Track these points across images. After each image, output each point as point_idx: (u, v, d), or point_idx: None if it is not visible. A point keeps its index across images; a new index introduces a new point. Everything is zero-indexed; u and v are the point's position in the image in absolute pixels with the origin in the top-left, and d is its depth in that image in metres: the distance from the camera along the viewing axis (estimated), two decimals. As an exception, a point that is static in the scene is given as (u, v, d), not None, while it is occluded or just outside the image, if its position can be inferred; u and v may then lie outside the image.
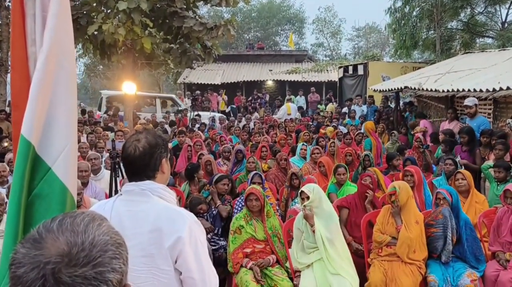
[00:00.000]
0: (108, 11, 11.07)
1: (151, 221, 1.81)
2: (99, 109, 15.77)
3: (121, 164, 1.96)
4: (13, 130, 1.78)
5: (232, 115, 17.03)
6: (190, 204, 5.21)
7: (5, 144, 8.18)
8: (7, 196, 4.84)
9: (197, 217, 1.98)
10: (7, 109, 13.21)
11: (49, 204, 1.67)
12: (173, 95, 17.67)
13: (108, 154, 7.22)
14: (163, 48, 12.79)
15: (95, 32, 10.74)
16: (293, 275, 4.21)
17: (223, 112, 18.31)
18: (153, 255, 1.80)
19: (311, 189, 4.29)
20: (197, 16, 11.85)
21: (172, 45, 12.47)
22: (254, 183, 5.17)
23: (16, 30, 1.78)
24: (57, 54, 1.70)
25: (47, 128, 1.69)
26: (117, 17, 10.38)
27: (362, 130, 8.90)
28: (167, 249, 1.78)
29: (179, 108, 16.14)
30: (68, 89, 1.76)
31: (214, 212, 5.10)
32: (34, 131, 1.64)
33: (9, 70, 12.19)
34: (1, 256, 1.64)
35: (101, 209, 1.89)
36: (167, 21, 11.74)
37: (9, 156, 7.20)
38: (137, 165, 1.87)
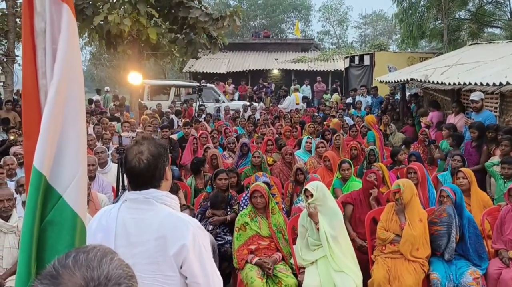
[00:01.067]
0: (114, 1, 11.06)
1: (156, 228, 1.86)
2: (142, 99, 15.82)
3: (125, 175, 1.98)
4: (25, 159, 1.85)
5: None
6: (213, 198, 5.20)
7: (11, 137, 8.26)
8: (16, 190, 4.92)
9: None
10: (15, 97, 13.32)
11: (60, 230, 1.73)
12: (213, 86, 17.54)
13: (114, 147, 7.29)
14: (169, 38, 12.79)
15: (101, 23, 10.76)
16: (298, 271, 4.27)
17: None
18: (158, 262, 1.85)
19: (315, 186, 4.32)
20: (202, 7, 11.81)
21: (177, 35, 12.47)
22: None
23: (27, 63, 1.83)
24: (67, 86, 1.76)
25: (58, 158, 1.76)
26: (122, 7, 10.38)
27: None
28: (172, 256, 1.84)
29: (218, 98, 16.07)
30: (78, 119, 1.82)
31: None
32: (46, 162, 1.70)
33: (15, 61, 12.27)
34: (15, 282, 1.72)
35: (106, 216, 1.94)
36: (173, 11, 11.74)
37: (14, 149, 7.28)
38: (143, 177, 1.91)
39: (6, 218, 4.16)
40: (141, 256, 1.85)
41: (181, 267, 1.86)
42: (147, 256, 1.85)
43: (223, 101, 15.83)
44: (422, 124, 9.76)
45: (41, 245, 1.69)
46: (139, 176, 1.91)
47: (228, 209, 5.19)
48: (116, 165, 6.10)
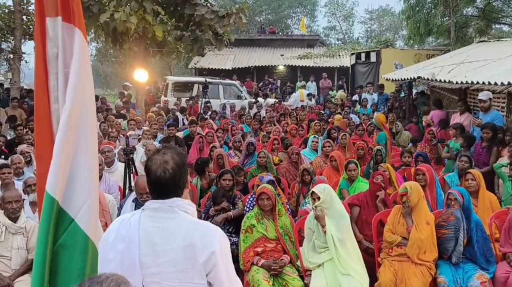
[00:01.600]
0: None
1: (183, 237, 1.88)
2: (165, 95, 15.87)
3: (149, 184, 1.97)
4: (38, 183, 1.88)
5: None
6: (214, 193, 5.23)
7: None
8: (24, 191, 4.95)
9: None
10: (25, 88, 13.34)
11: (72, 253, 1.75)
12: (236, 83, 17.58)
13: (121, 146, 7.31)
14: (175, 35, 12.77)
15: (107, 20, 10.75)
16: (304, 274, 4.27)
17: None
18: (187, 270, 1.87)
19: (322, 189, 4.32)
20: (208, 4, 11.77)
21: (183, 32, 12.44)
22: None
23: (39, 88, 1.84)
24: (79, 111, 1.77)
25: (70, 183, 1.78)
26: (128, 5, 10.37)
27: (373, 121, 8.83)
28: (202, 264, 1.87)
29: (240, 94, 16.10)
30: (90, 144, 1.84)
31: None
32: (58, 187, 1.72)
33: (22, 58, 12.30)
34: None
35: (125, 226, 1.91)
36: (179, 8, 11.71)
37: (20, 147, 7.31)
38: (168, 187, 1.92)
39: (15, 219, 4.19)
40: (168, 264, 1.86)
41: (207, 275, 1.90)
42: (175, 264, 1.87)
43: (245, 98, 15.85)
44: (424, 123, 9.79)
45: (53, 268, 1.70)
46: (165, 186, 1.91)
47: (231, 207, 5.19)
48: (123, 164, 6.12)
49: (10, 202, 4.12)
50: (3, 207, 4.19)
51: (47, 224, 1.69)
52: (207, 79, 14.74)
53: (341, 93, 17.02)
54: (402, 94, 13.78)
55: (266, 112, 12.83)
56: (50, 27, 1.82)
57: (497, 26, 16.95)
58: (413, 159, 6.73)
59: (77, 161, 1.80)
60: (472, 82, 7.84)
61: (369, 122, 9.92)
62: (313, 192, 4.36)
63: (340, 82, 19.92)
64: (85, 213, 1.81)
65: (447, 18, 15.11)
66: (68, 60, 1.80)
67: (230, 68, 22.77)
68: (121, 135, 8.84)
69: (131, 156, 5.14)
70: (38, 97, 1.86)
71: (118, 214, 4.77)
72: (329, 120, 10.85)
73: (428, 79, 9.72)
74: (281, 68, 23.92)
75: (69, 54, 1.81)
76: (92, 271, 1.86)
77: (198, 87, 15.81)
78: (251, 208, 4.97)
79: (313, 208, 4.31)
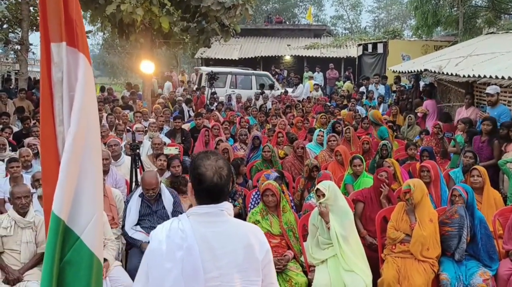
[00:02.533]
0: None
1: (240, 238, 1.95)
2: (199, 85, 16.09)
3: (199, 188, 1.97)
4: (44, 203, 1.93)
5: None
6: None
7: None
8: (32, 185, 5.02)
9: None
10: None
11: (78, 269, 1.82)
12: (268, 73, 17.63)
13: (127, 139, 7.36)
14: (181, 26, 12.75)
15: (113, 11, 10.75)
16: (308, 269, 4.32)
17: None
18: (246, 269, 1.94)
19: (327, 186, 4.35)
20: (215, -5, 11.72)
21: (189, 23, 12.42)
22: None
23: (45, 112, 1.89)
24: (83, 134, 1.83)
25: (76, 203, 1.83)
26: (135, -3, 10.36)
27: (370, 117, 8.69)
28: (260, 262, 1.96)
29: (273, 84, 16.22)
30: (94, 164, 1.90)
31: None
32: (64, 207, 1.78)
33: (29, 49, 12.35)
34: None
35: (177, 234, 1.89)
36: (185, 0, 11.68)
37: (28, 140, 7.40)
38: (223, 192, 1.95)
39: (23, 214, 4.26)
40: (228, 266, 1.90)
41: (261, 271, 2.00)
42: (236, 265, 1.92)
43: (278, 89, 15.97)
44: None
45: (60, 283, 1.77)
46: (221, 191, 1.94)
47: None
48: (129, 157, 6.19)
49: (19, 198, 4.19)
50: (12, 202, 4.27)
51: (54, 242, 1.76)
52: (242, 69, 14.82)
53: (348, 85, 16.96)
54: (403, 84, 13.67)
55: (272, 104, 12.82)
56: (55, 52, 1.87)
57: (506, 16, 16.75)
58: (419, 153, 6.74)
59: (82, 182, 1.85)
60: (479, 76, 7.80)
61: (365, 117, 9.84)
62: (318, 189, 4.40)
63: (346, 73, 19.84)
64: (90, 231, 1.86)
65: (455, 8, 14.96)
66: (73, 83, 1.86)
67: (237, 59, 22.74)
68: (128, 128, 8.90)
69: (137, 151, 5.20)
70: (43, 120, 1.91)
71: (125, 209, 4.84)
72: (335, 114, 10.80)
73: (435, 72, 9.66)
74: (287, 58, 23.85)
75: (73, 78, 1.86)
76: (97, 286, 1.92)
77: (231, 79, 16.15)
78: (255, 204, 5.02)
79: (317, 205, 4.35)
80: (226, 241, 1.92)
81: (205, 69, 16.85)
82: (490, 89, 7.28)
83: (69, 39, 1.89)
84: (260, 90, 15.02)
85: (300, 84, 16.79)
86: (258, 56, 23.28)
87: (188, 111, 12.37)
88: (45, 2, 1.87)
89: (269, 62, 22.93)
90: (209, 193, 1.93)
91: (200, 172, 1.92)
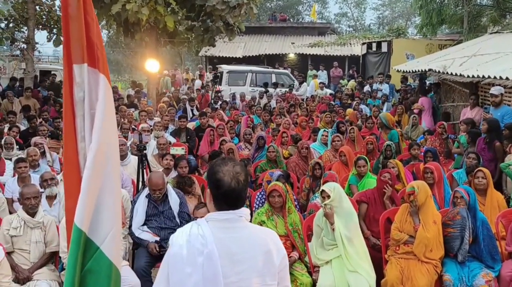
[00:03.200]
0: (132, -11, 11.06)
1: (259, 244, 2.00)
2: (220, 84, 16.14)
3: (218, 194, 2.01)
4: (66, 216, 2.04)
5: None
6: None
7: None
8: (40, 185, 5.09)
9: None
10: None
11: (97, 278, 1.92)
12: (288, 71, 17.69)
13: (133, 138, 7.42)
14: (186, 25, 12.78)
15: (119, 10, 10.80)
16: (312, 270, 4.38)
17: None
18: (264, 274, 2.00)
19: (332, 188, 4.41)
20: (219, -6, 11.75)
21: (194, 22, 12.46)
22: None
23: (68, 129, 2.00)
24: (104, 150, 1.92)
25: (96, 215, 1.93)
26: (140, -4, 10.40)
27: (382, 119, 8.69)
28: (277, 267, 2.03)
29: (293, 83, 16.35)
30: (113, 179, 1.99)
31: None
32: (85, 219, 1.87)
33: (36, 48, 12.41)
34: None
35: (197, 239, 1.94)
36: (190, -1, 11.73)
37: (34, 139, 7.48)
38: (240, 197, 2.00)
39: (33, 214, 4.34)
40: (248, 271, 1.96)
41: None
42: (255, 270, 1.97)
43: (297, 88, 16.13)
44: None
45: None
46: (239, 197, 1.99)
47: None
48: (135, 157, 6.25)
49: (29, 198, 4.27)
50: (22, 203, 4.34)
51: (76, 252, 1.86)
52: (258, 68, 14.74)
53: (352, 83, 16.96)
54: (409, 83, 13.67)
55: (276, 103, 12.86)
56: (77, 73, 1.97)
57: (511, 15, 16.70)
58: (422, 153, 6.78)
59: (102, 195, 1.94)
60: (483, 76, 7.82)
61: (376, 115, 9.88)
62: (323, 190, 4.45)
63: (351, 72, 19.82)
64: (109, 241, 1.96)
65: (460, 7, 14.93)
66: (94, 102, 1.96)
67: (241, 56, 22.74)
68: (133, 126, 8.97)
69: (144, 152, 5.26)
70: (66, 137, 2.02)
71: (132, 209, 4.90)
72: (339, 113, 10.82)
73: (439, 71, 9.68)
74: (291, 56, 23.84)
75: (94, 97, 1.97)
76: None
77: (252, 77, 16.27)
78: (260, 204, 5.08)
79: (322, 206, 4.40)
80: (245, 247, 1.97)
81: (226, 68, 16.84)
82: (494, 90, 7.30)
83: (90, 61, 1.99)
84: (264, 89, 15.06)
85: (304, 83, 16.79)
86: (262, 54, 23.28)
87: (192, 110, 12.43)
88: (69, 26, 1.97)
89: (273, 60, 22.91)
90: (227, 198, 1.98)
91: (218, 177, 1.97)
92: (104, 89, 1.97)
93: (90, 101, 1.97)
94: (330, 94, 14.42)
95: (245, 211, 2.02)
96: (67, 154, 2.02)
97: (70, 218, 1.90)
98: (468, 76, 8.30)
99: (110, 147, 1.97)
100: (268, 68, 17.92)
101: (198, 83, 17.56)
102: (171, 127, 9.54)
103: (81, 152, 1.99)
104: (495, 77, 7.48)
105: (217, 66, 18.74)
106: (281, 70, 17.76)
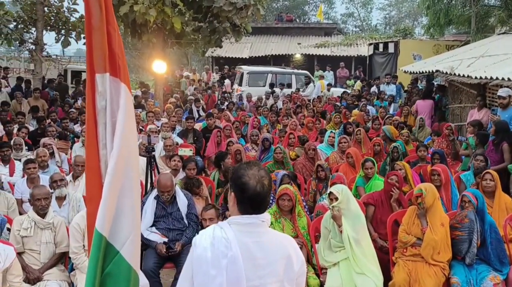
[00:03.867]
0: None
1: (280, 249, 2.03)
2: (240, 84, 16.33)
3: (242, 197, 2.02)
4: (88, 221, 2.08)
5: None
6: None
7: None
8: (50, 186, 5.14)
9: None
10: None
11: (117, 281, 1.98)
12: (307, 72, 17.91)
13: (142, 140, 7.46)
14: (193, 26, 12.84)
15: (126, 11, 10.87)
16: (320, 272, 4.40)
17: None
18: (283, 280, 2.03)
19: (340, 190, 4.42)
20: (226, -5, 11.79)
21: (201, 24, 12.51)
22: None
23: (90, 137, 2.06)
24: (124, 157, 1.98)
25: (117, 221, 1.99)
26: (148, -2, 10.47)
27: (385, 132, 8.62)
28: (296, 272, 2.05)
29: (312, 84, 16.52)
30: (133, 186, 2.05)
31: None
32: (106, 224, 1.93)
33: (44, 49, 12.50)
34: None
35: (222, 242, 1.96)
36: (197, 0, 11.76)
37: (43, 140, 7.55)
38: (265, 201, 2.03)
39: (43, 215, 4.38)
40: (269, 276, 1.99)
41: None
42: (275, 275, 2.00)
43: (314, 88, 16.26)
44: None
45: None
46: (263, 201, 2.01)
47: None
48: (144, 158, 6.29)
49: (40, 199, 4.31)
50: (32, 203, 4.39)
51: (97, 256, 1.91)
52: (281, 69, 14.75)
53: (358, 84, 16.94)
54: (419, 85, 13.64)
55: (283, 104, 12.87)
56: (99, 83, 2.03)
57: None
58: (429, 155, 6.77)
59: (122, 201, 2.00)
60: (491, 78, 7.80)
61: (387, 115, 9.87)
62: (331, 192, 4.46)
63: (357, 72, 19.80)
64: (128, 246, 2.01)
65: (467, 8, 14.88)
66: (115, 110, 2.02)
67: (247, 57, 22.81)
68: (140, 127, 9.02)
69: (153, 153, 5.30)
70: (88, 144, 2.08)
71: (141, 210, 4.93)
72: (346, 115, 10.80)
73: (446, 73, 9.66)
74: (298, 57, 23.87)
75: (115, 106, 2.03)
76: None
77: (272, 78, 16.50)
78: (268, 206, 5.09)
79: (330, 208, 4.42)
80: (267, 252, 1.99)
81: (247, 69, 16.91)
82: (502, 92, 7.28)
83: (112, 70, 2.05)
84: (270, 89, 15.07)
85: (311, 83, 16.79)
86: (269, 55, 23.33)
87: (198, 111, 12.49)
88: (91, 37, 2.04)
89: (279, 61, 22.96)
90: (252, 202, 1.99)
91: (243, 181, 1.99)
92: (125, 97, 2.03)
93: (112, 110, 2.03)
94: (344, 92, 14.43)
95: (267, 216, 2.04)
96: (89, 160, 2.08)
97: (91, 222, 1.95)
98: (476, 78, 8.27)
99: (130, 154, 2.03)
100: (287, 69, 18.06)
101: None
102: (178, 128, 9.59)
103: (102, 159, 2.05)
104: (503, 79, 7.45)
105: (237, 67, 18.78)
106: (301, 71, 17.91)
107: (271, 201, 5.11)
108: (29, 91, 12.68)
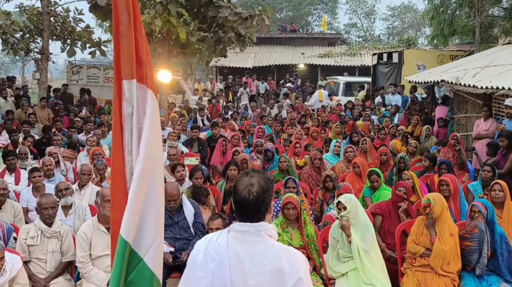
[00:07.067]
0: (145, 1, 11.22)
1: (272, 261, 1.96)
2: (336, 94, 17.18)
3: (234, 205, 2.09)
4: (112, 227, 2.07)
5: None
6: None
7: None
8: (56, 195, 5.12)
9: None
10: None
11: None
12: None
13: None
14: (198, 36, 12.88)
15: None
16: (328, 282, 4.35)
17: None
18: None
19: (349, 199, 4.39)
20: (231, 6, 11.85)
21: (206, 33, 12.55)
22: (288, 188, 5.30)
23: (116, 143, 2.07)
24: (150, 165, 1.97)
25: (141, 228, 1.99)
26: (153, 7, 10.52)
27: (390, 148, 8.61)
28: None
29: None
30: (158, 193, 2.04)
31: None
32: (130, 231, 1.92)
33: (50, 58, 12.57)
34: None
35: (214, 247, 2.00)
36: (202, 10, 11.81)
37: (49, 148, 7.56)
38: (250, 209, 2.00)
39: (50, 224, 4.37)
40: (259, 286, 1.95)
41: None
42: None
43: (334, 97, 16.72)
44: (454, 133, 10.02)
45: None
46: (247, 208, 2.00)
47: None
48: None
49: (47, 208, 4.30)
50: (39, 212, 4.38)
51: (121, 263, 1.90)
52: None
53: (362, 94, 16.96)
54: (419, 94, 13.61)
55: (287, 113, 12.87)
56: (126, 89, 2.04)
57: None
58: (436, 165, 6.73)
59: (147, 208, 2.00)
60: (497, 88, 7.78)
61: (391, 125, 9.86)
62: (339, 202, 4.43)
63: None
64: (152, 253, 2.01)
65: (471, 18, 14.89)
66: (141, 117, 2.02)
67: (251, 67, 22.87)
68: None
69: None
70: (114, 150, 2.08)
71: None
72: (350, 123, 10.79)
73: (451, 83, 9.64)
74: (301, 67, 23.92)
75: (141, 112, 2.03)
76: None
77: (367, 87, 17.26)
78: (273, 217, 5.06)
79: (338, 218, 4.38)
80: (257, 262, 1.96)
81: (343, 79, 17.98)
82: (508, 102, 7.27)
83: (139, 77, 2.06)
84: (275, 99, 15.09)
85: (315, 93, 16.82)
86: (272, 65, 23.40)
87: (202, 120, 12.50)
88: (119, 44, 2.05)
89: (283, 71, 23.02)
90: (239, 208, 2.02)
91: (235, 185, 2.04)
92: (151, 104, 2.03)
93: (138, 116, 2.03)
94: (348, 102, 14.53)
95: (265, 226, 2.01)
96: (115, 166, 2.08)
97: (116, 229, 1.94)
98: (482, 88, 8.25)
99: (155, 161, 2.03)
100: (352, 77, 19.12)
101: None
102: (183, 137, 9.59)
103: (127, 165, 2.04)
104: (509, 89, 7.43)
105: (330, 78, 19.37)
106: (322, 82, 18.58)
107: (274, 212, 5.08)
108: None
